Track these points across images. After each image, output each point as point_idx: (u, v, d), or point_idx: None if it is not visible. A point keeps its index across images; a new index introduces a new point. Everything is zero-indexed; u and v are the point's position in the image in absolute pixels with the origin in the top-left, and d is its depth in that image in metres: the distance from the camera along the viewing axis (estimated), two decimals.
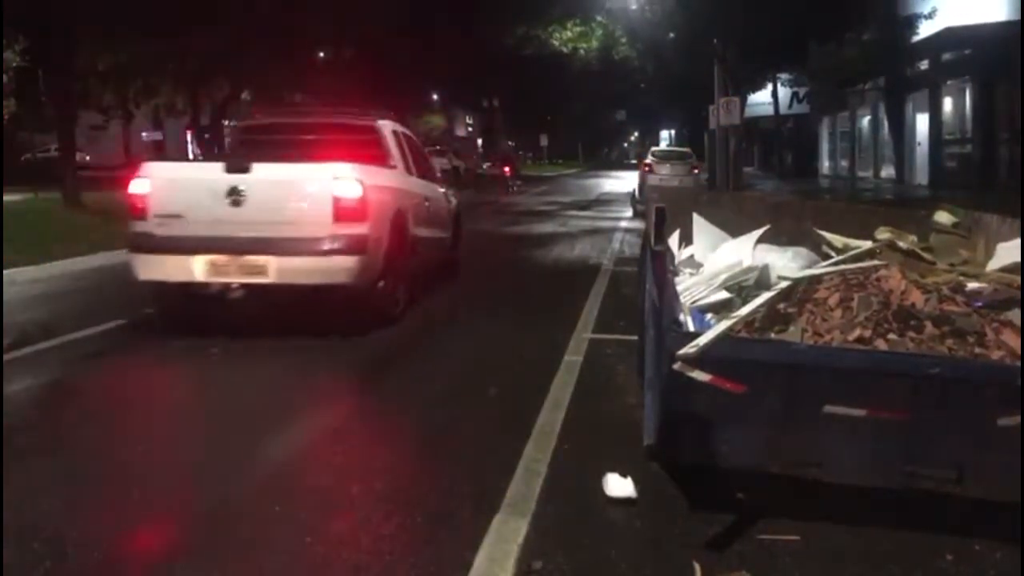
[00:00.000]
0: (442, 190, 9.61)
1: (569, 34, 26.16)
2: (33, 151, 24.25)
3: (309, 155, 7.16)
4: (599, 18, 25.14)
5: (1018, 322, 3.41)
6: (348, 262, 6.47)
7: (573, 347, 6.27)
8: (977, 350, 3.25)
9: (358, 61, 29.72)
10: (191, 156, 39.75)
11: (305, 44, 25.30)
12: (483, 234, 14.52)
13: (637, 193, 21.69)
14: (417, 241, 7.84)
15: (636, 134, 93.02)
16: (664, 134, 72.66)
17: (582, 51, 26.45)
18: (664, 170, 23.27)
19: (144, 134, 47.56)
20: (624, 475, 3.63)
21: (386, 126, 8.29)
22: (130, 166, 8.39)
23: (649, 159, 24.47)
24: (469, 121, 62.05)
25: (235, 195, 6.42)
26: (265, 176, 6.53)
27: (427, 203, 8.50)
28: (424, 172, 8.90)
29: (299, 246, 6.41)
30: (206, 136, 26.58)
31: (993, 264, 4.27)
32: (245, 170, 6.49)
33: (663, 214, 3.70)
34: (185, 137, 41.57)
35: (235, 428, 4.50)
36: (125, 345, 6.61)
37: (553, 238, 14.78)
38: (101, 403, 5.12)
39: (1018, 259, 4.03)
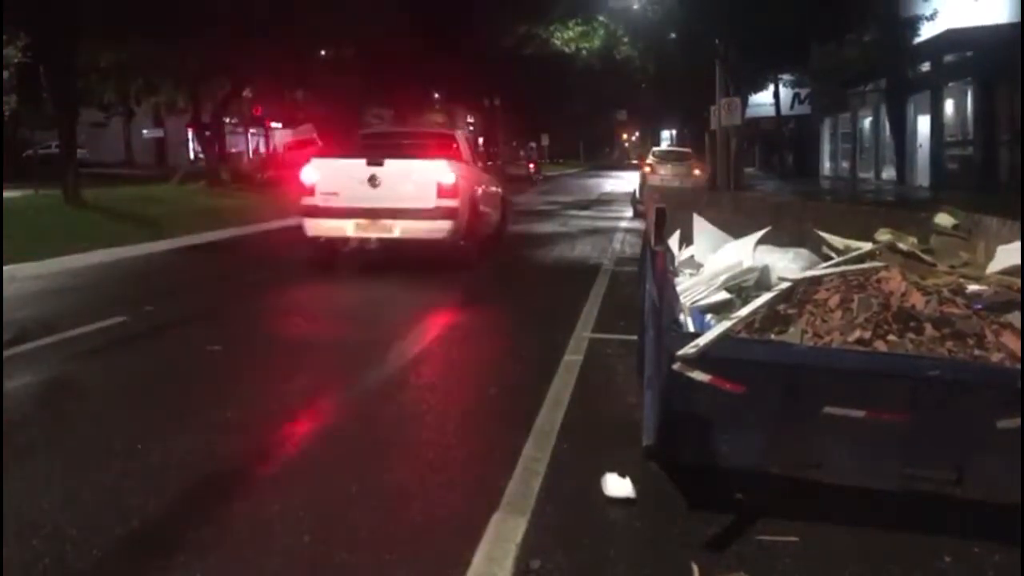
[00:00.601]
0: (493, 179, 12.67)
1: (571, 34, 26.07)
2: (34, 148, 24.18)
3: (413, 153, 10.65)
4: (600, 18, 25.04)
5: (1018, 324, 3.41)
6: (446, 224, 9.77)
7: (573, 346, 6.27)
8: (977, 352, 3.25)
9: (360, 60, 29.71)
10: (192, 155, 39.86)
11: (306, 43, 25.27)
12: None
13: (638, 193, 21.67)
14: (483, 214, 11.12)
15: (637, 134, 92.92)
16: (665, 134, 72.53)
17: (584, 51, 26.37)
18: (665, 170, 23.25)
19: (145, 131, 47.56)
20: (623, 475, 3.63)
21: (460, 134, 12.47)
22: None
23: (650, 159, 24.46)
24: (470, 120, 61.97)
25: (373, 180, 9.78)
26: (393, 168, 9.89)
27: (487, 189, 11.80)
28: (484, 167, 12.62)
29: (415, 213, 9.70)
30: (207, 133, 26.52)
31: (993, 266, 4.27)
32: (380, 164, 9.85)
33: (663, 214, 3.70)
34: (186, 135, 41.61)
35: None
36: (126, 341, 6.61)
37: (554, 238, 14.77)
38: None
39: (1018, 261, 4.03)
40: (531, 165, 42.39)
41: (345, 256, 10.76)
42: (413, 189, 9.80)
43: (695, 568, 2.97)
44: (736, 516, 3.37)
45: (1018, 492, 2.93)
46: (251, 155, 40.25)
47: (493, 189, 12.28)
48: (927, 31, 23.00)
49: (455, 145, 11.63)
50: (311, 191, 9.96)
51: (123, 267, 11.07)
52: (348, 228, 9.86)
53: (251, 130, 48.89)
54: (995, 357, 3.23)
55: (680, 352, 3.01)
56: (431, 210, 9.69)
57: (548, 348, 6.18)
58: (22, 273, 9.77)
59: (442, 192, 9.72)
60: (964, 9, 20.66)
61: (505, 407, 4.91)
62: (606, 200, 26.38)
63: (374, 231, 9.92)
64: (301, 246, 10.39)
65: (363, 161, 9.94)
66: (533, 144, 53.60)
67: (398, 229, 9.76)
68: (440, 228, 9.75)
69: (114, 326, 6.99)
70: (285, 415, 4.76)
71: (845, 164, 35.76)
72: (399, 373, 5.79)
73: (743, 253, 4.53)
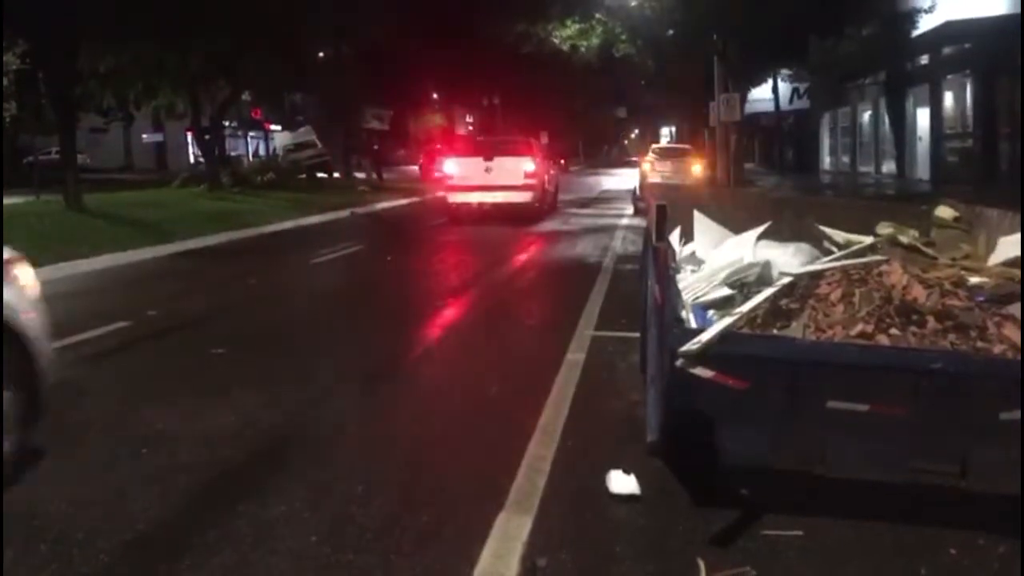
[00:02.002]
0: (551, 167, 21.39)
1: (569, 32, 26.07)
2: (35, 154, 24.20)
3: (510, 152, 17.80)
4: (598, 16, 25.02)
5: (1020, 316, 3.41)
6: (529, 194, 17.08)
7: (575, 344, 6.28)
8: (979, 344, 3.25)
9: (359, 61, 29.71)
10: (192, 159, 39.89)
11: (305, 45, 25.22)
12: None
13: (638, 190, 21.64)
14: (547, 190, 18.75)
15: (636, 131, 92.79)
16: (665, 131, 72.47)
17: (582, 49, 26.35)
18: (665, 167, 23.24)
19: (144, 136, 47.62)
20: (627, 472, 3.64)
21: (533, 141, 20.05)
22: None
23: (650, 156, 24.44)
24: (469, 119, 61.95)
25: (488, 169, 16.95)
26: (498, 161, 17.07)
27: (550, 173, 19.78)
28: (546, 159, 20.29)
29: (512, 188, 16.78)
30: (207, 137, 26.51)
31: (994, 258, 4.27)
32: (491, 159, 17.13)
33: (664, 211, 3.69)
34: (186, 139, 41.64)
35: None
36: (129, 345, 6.62)
37: (555, 236, 14.78)
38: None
39: (1019, 253, 4.03)
40: (562, 160, 51.93)
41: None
42: (510, 173, 16.80)
43: (701, 564, 2.98)
44: (741, 511, 3.37)
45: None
46: (251, 158, 40.23)
47: (553, 173, 20.77)
48: (925, 24, 22.95)
49: (533, 147, 18.76)
50: (451, 176, 17.57)
51: (125, 272, 11.08)
52: (474, 198, 16.96)
53: (250, 133, 48.90)
54: (997, 349, 3.23)
55: (683, 349, 3.01)
56: (521, 185, 16.83)
57: (551, 346, 6.19)
58: None
59: (527, 175, 17.01)
60: (962, 1, 20.61)
61: (508, 406, 4.91)
62: (606, 198, 26.36)
63: (488, 199, 16.89)
64: (310, 247, 12.76)
65: (481, 158, 17.30)
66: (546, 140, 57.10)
67: (502, 197, 16.73)
68: (526, 196, 16.93)
69: (116, 331, 7.00)
70: (284, 415, 4.78)
71: (845, 158, 35.71)
72: (401, 370, 5.81)
73: (744, 249, 4.53)
